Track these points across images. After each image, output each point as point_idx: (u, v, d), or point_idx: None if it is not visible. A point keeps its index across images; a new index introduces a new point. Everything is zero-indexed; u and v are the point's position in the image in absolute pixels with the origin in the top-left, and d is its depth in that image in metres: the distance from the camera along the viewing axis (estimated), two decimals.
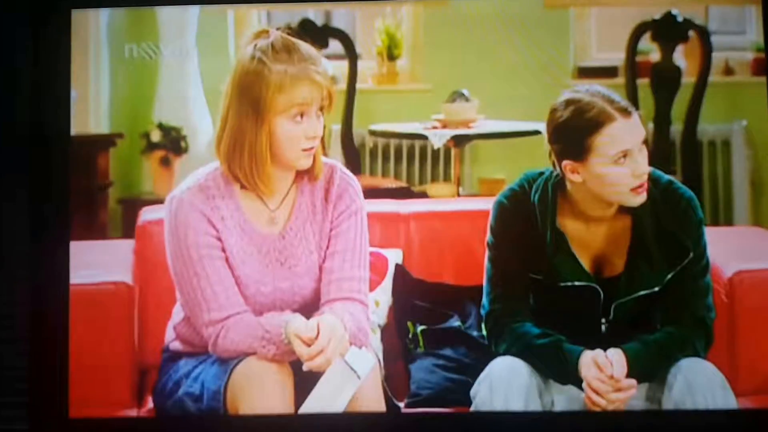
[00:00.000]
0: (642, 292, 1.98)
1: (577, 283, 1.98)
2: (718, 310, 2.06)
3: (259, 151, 1.91)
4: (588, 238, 2.01)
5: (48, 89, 2.15)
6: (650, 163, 1.99)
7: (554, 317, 2.00)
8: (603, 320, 2.00)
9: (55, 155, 2.15)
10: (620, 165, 1.92)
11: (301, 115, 1.91)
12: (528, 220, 2.01)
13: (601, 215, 2.00)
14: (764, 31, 2.30)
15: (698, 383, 1.91)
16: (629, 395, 1.91)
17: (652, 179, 2.00)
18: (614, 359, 1.91)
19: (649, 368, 1.95)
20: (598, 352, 1.93)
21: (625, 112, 1.92)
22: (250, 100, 1.89)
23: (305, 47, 1.93)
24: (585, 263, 2.00)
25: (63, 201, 2.14)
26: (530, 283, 2.01)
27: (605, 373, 1.90)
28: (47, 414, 2.07)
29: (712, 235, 2.04)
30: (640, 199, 1.95)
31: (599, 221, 2.01)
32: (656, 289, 1.98)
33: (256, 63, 1.89)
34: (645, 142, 1.95)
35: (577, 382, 1.94)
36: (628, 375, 1.91)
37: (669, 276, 1.98)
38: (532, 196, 2.02)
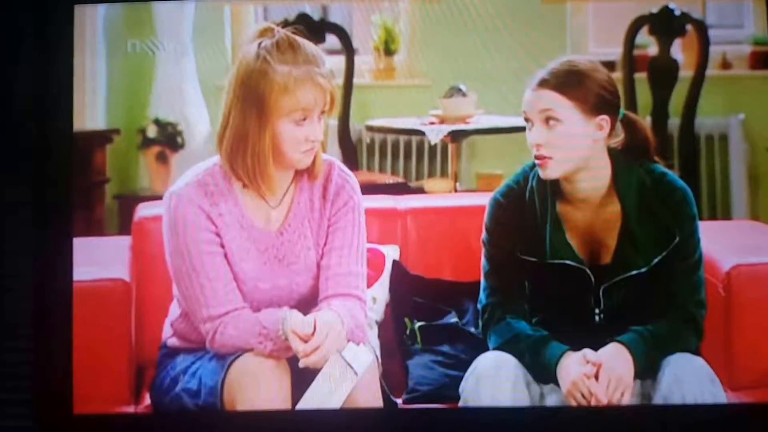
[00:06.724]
0: (631, 273, 1.97)
1: (567, 262, 1.98)
2: (716, 304, 2.06)
3: (261, 152, 1.90)
4: (581, 224, 2.01)
5: (51, 85, 2.15)
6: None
7: (548, 304, 2.01)
8: (597, 310, 2.00)
9: (57, 151, 2.14)
10: None
11: (304, 119, 1.90)
12: (524, 211, 2.01)
13: (589, 195, 1.99)
14: None
15: (686, 377, 1.91)
16: (607, 387, 1.90)
17: (647, 169, 2.00)
18: (606, 354, 1.91)
19: (648, 357, 1.94)
20: (585, 351, 1.93)
21: None
22: (253, 101, 1.88)
23: (309, 47, 1.91)
24: (578, 248, 2.00)
25: (65, 197, 2.14)
26: (525, 273, 2.01)
27: (591, 366, 1.90)
28: (52, 411, 2.07)
29: (709, 229, 2.04)
30: None
31: (587, 203, 2.00)
32: (643, 269, 1.97)
33: (260, 63, 1.88)
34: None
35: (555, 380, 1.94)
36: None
37: (657, 259, 1.97)
38: (530, 181, 2.02)
